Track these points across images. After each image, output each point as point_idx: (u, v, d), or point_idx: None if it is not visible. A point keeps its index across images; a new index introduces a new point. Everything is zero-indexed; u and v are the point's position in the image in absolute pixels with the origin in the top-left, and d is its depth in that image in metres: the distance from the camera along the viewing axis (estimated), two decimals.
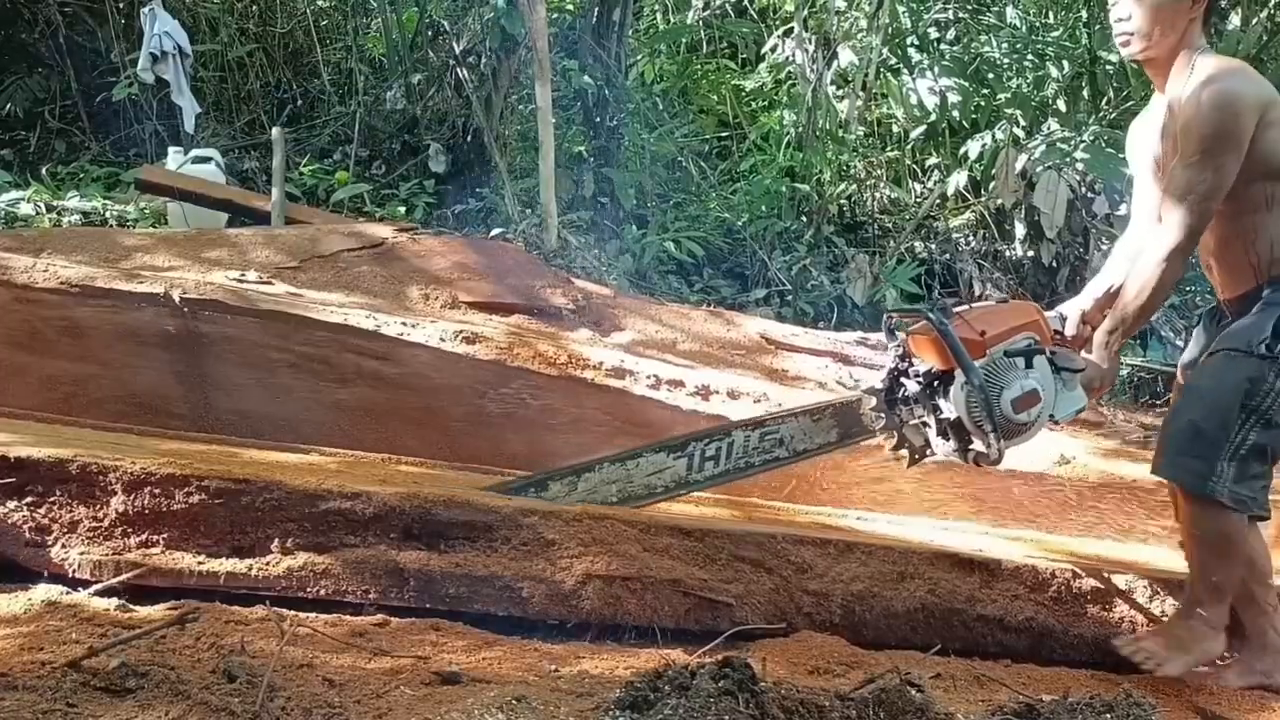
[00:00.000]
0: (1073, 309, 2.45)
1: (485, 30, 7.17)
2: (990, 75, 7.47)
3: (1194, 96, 2.13)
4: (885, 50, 7.59)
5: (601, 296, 3.80)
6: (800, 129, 7.45)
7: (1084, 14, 7.16)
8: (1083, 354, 2.34)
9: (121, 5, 7.87)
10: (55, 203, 6.02)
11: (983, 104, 7.39)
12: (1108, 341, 2.29)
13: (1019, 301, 2.57)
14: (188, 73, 6.95)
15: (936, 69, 7.42)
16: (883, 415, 2.41)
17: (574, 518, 2.11)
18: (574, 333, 3.46)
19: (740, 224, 7.12)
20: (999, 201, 7.08)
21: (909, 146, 7.84)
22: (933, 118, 7.47)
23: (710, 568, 2.15)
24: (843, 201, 7.78)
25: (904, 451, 2.43)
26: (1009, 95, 7.32)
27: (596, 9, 7.49)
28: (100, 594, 1.85)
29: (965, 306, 2.37)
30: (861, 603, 2.23)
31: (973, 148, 7.09)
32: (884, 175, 7.94)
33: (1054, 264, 6.96)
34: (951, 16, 7.94)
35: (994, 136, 7.01)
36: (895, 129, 7.96)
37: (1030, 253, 7.07)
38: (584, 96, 7.39)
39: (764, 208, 7.18)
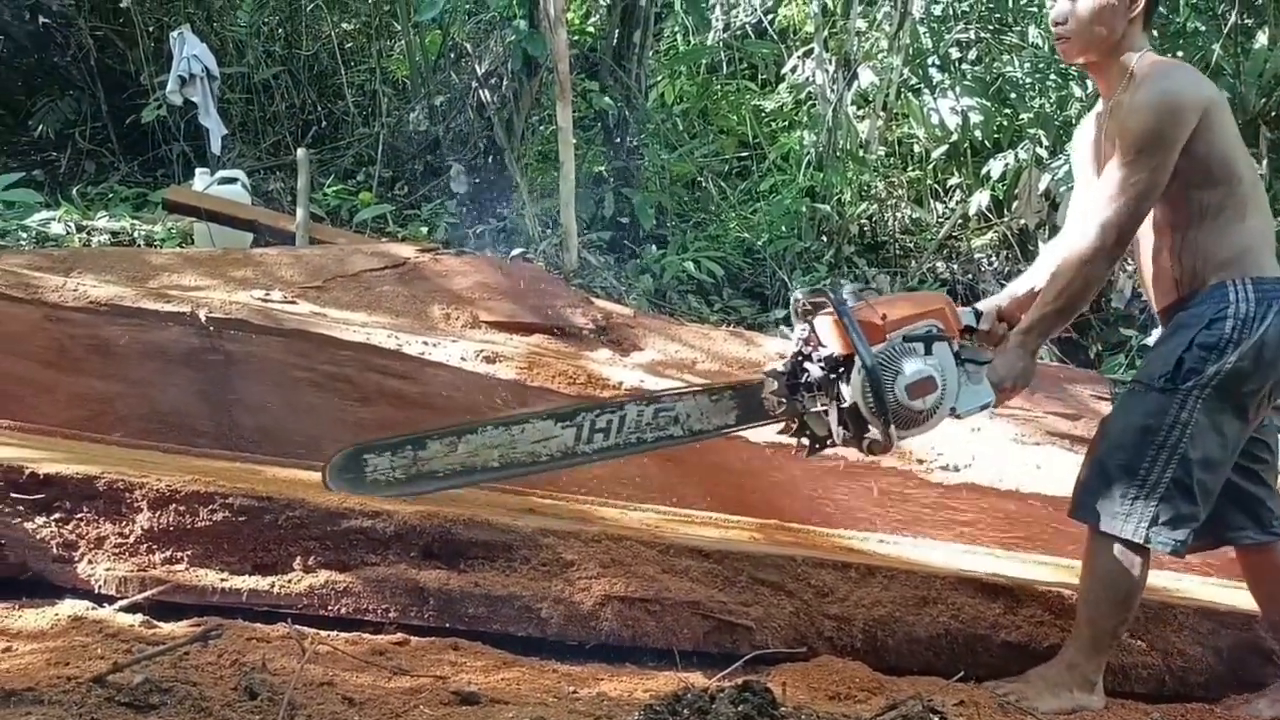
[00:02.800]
0: (989, 306, 2.39)
1: (507, 53, 7.25)
2: (1013, 95, 7.46)
3: (1134, 99, 2.09)
4: (906, 70, 7.61)
5: (621, 316, 3.81)
6: (820, 149, 7.46)
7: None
8: (997, 352, 2.27)
9: (151, 29, 8.02)
10: (85, 222, 6.12)
11: (1005, 124, 7.38)
12: (1024, 340, 2.22)
13: (929, 291, 2.52)
14: (215, 95, 7.06)
15: (958, 89, 7.43)
16: (784, 400, 2.32)
17: (593, 538, 2.11)
18: (593, 352, 3.46)
19: (760, 244, 7.13)
20: (1022, 222, 7.05)
21: (930, 166, 7.84)
22: (954, 137, 7.47)
23: (730, 590, 2.14)
24: (863, 221, 7.78)
25: (804, 441, 2.35)
26: (1032, 115, 7.30)
27: (617, 31, 7.56)
28: (125, 610, 1.86)
29: (876, 294, 2.31)
30: (883, 627, 2.21)
31: (995, 167, 7.08)
32: (905, 195, 7.94)
33: None
34: (973, 37, 7.95)
35: (1017, 156, 7.00)
36: (916, 149, 7.96)
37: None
38: (604, 117, 7.45)
39: (784, 228, 7.19)
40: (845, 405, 2.20)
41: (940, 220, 7.81)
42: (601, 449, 2.31)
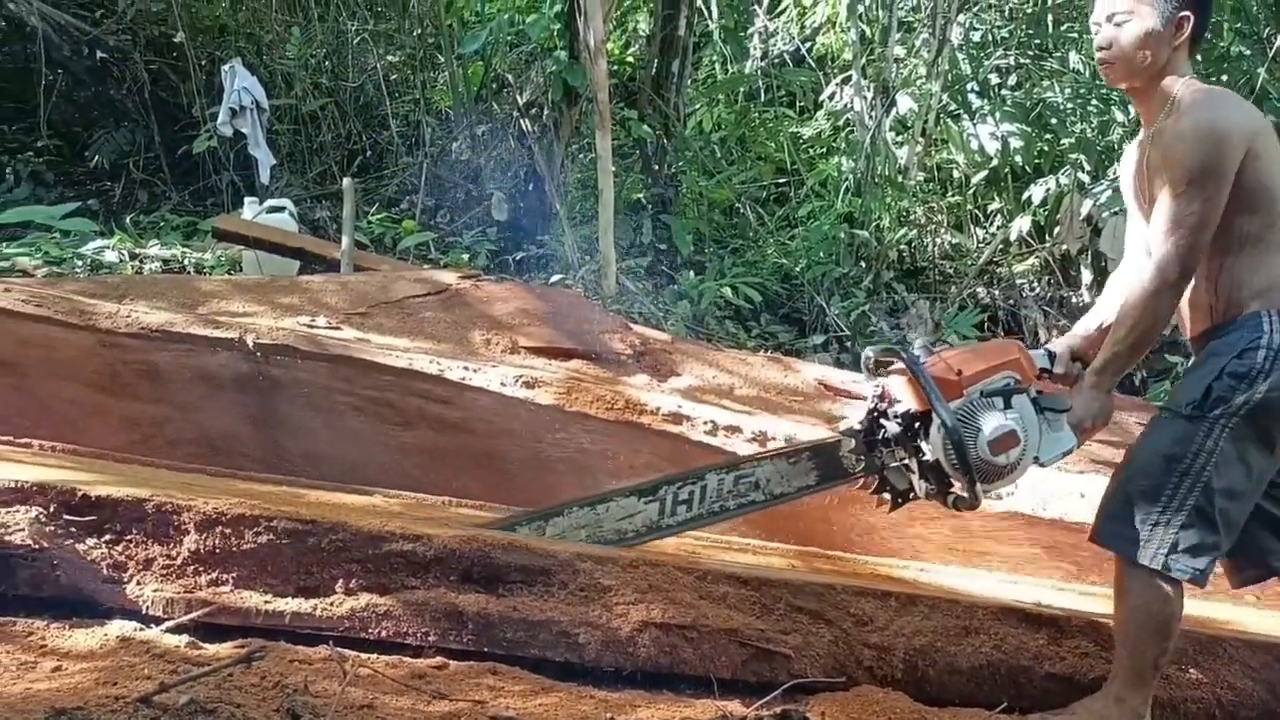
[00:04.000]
0: (1061, 346, 2.37)
1: (548, 83, 7.35)
2: (1053, 120, 7.41)
3: (1178, 127, 2.07)
4: (945, 96, 7.59)
5: (659, 342, 3.82)
6: (859, 175, 7.46)
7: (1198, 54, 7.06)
8: (1073, 394, 2.25)
9: (203, 63, 8.24)
10: (137, 250, 6.27)
11: (1046, 149, 7.33)
12: (1098, 381, 2.19)
13: (1001, 340, 2.49)
14: (264, 126, 7.22)
15: (998, 114, 7.40)
16: (863, 458, 2.31)
17: (630, 563, 2.11)
18: (631, 378, 3.48)
19: (798, 270, 7.13)
20: (1064, 247, 6.99)
21: (970, 191, 7.80)
22: (995, 163, 7.43)
23: (768, 618, 2.13)
24: (902, 247, 7.75)
25: (886, 495, 2.33)
26: (1073, 140, 7.25)
27: (656, 61, 7.64)
28: (171, 631, 1.89)
29: (947, 347, 2.29)
30: (924, 657, 2.18)
31: (1036, 193, 7.03)
32: (945, 221, 7.90)
33: None
34: (1013, 62, 7.92)
35: (1058, 181, 6.94)
36: (956, 174, 7.93)
37: (1098, 296, 6.94)
38: (643, 145, 7.51)
39: (822, 253, 7.18)
40: (927, 460, 2.20)
41: (981, 246, 7.75)
42: (685, 520, 2.34)
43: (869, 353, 2.35)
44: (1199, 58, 7.21)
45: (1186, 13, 2.12)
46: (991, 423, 2.15)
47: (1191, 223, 2.05)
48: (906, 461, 2.26)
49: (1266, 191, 2.07)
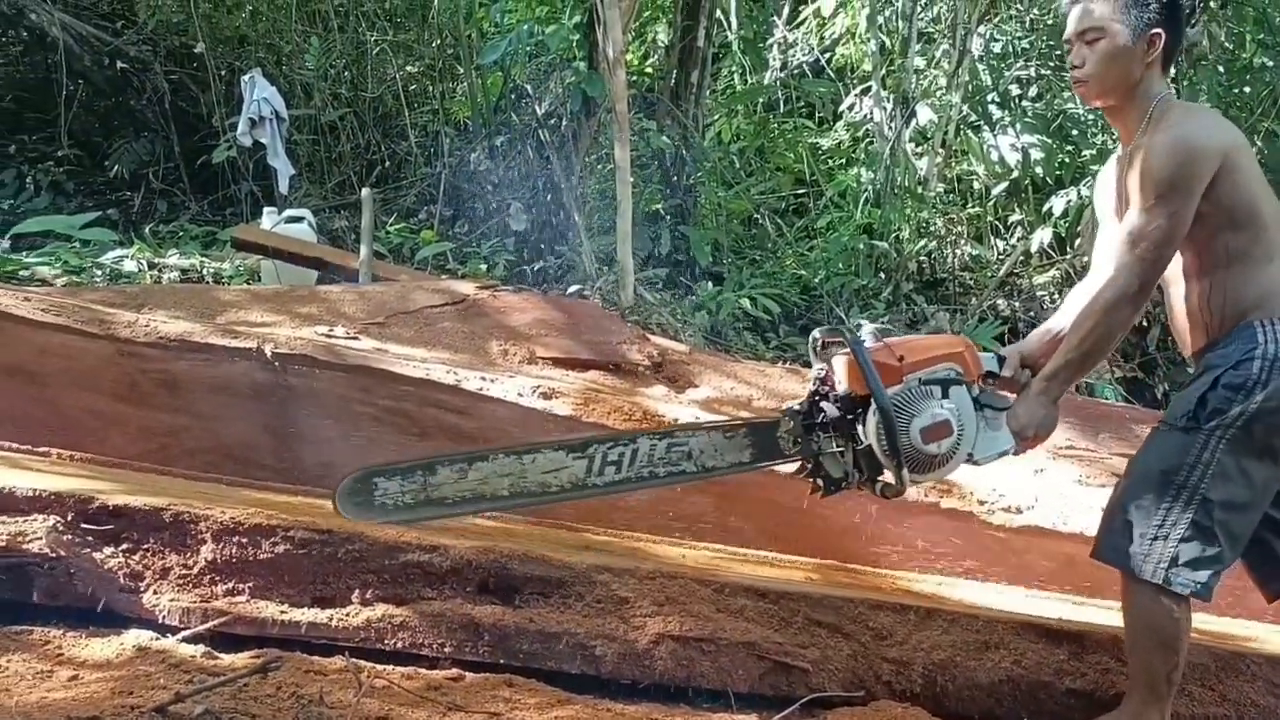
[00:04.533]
0: (1013, 352, 2.34)
1: (566, 94, 7.37)
2: (1074, 132, 7.37)
3: (1152, 141, 2.07)
4: (965, 108, 7.57)
5: (677, 353, 3.82)
6: (878, 186, 7.44)
7: (1171, 70, 7.03)
8: (1018, 399, 2.22)
9: (223, 73, 8.30)
10: (156, 260, 6.31)
11: (1067, 160, 7.29)
12: (1045, 388, 2.17)
13: (950, 335, 2.45)
14: (284, 136, 7.27)
15: (1018, 126, 7.36)
16: (799, 440, 2.27)
17: (647, 575, 2.10)
18: (649, 389, 3.47)
19: (817, 281, 7.10)
20: (1085, 259, 6.92)
21: (991, 203, 7.76)
22: (1015, 174, 7.40)
23: (786, 631, 2.11)
24: (922, 258, 7.71)
25: (819, 481, 2.28)
26: (1094, 152, 7.21)
27: (675, 72, 7.65)
28: (188, 640, 1.89)
29: (898, 337, 2.27)
30: (943, 672, 2.16)
31: (1057, 204, 6.99)
32: (965, 232, 7.86)
33: (1144, 323, 6.77)
34: (1034, 74, 7.89)
35: (1079, 193, 6.89)
36: (976, 185, 7.89)
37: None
38: (661, 156, 7.51)
39: (841, 265, 7.16)
40: (860, 447, 2.18)
41: (1001, 257, 7.71)
42: (612, 482, 2.28)
43: (816, 334, 2.32)
44: (1222, 69, 7.17)
45: (1158, 30, 2.12)
46: (925, 410, 2.13)
47: (1156, 236, 2.05)
48: (842, 448, 2.23)
49: (1248, 206, 2.06)
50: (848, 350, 2.18)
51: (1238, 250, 2.07)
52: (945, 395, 2.16)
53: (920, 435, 2.12)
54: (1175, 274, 2.16)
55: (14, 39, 9.09)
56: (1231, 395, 2.02)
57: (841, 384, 2.21)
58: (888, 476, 2.17)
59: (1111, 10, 2.12)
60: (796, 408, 2.29)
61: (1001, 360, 2.32)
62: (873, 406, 2.13)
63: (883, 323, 6.75)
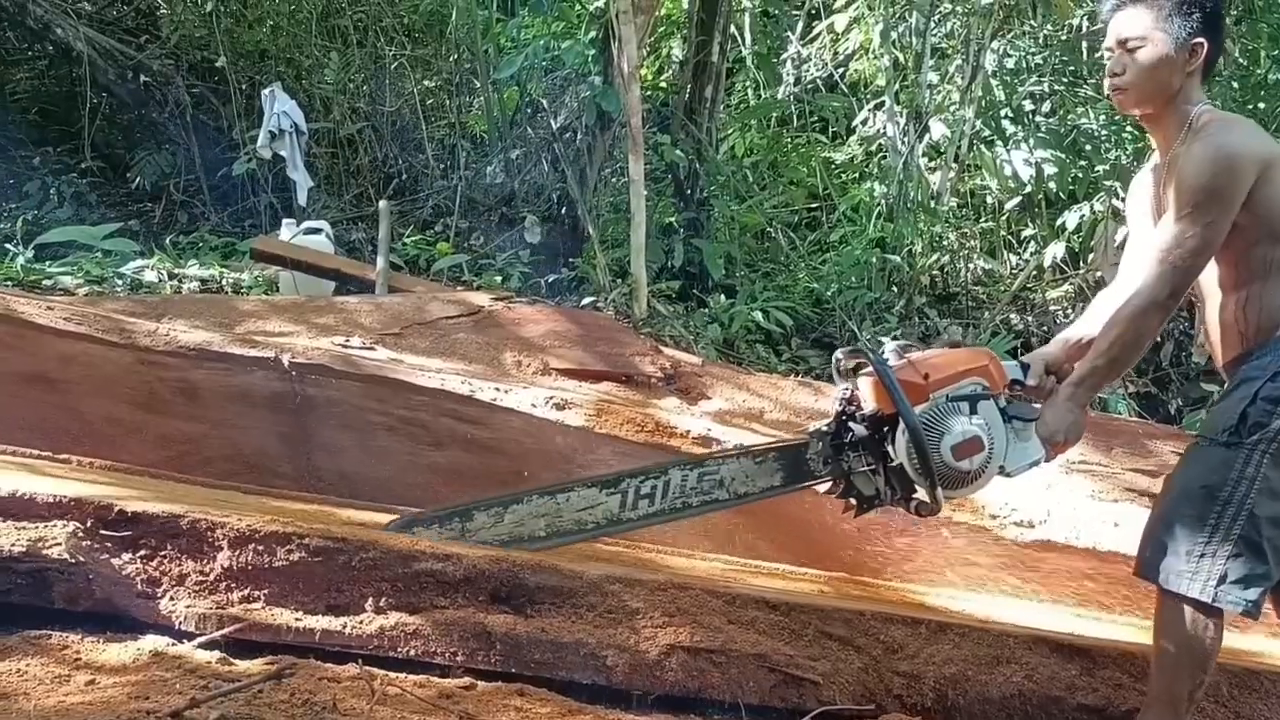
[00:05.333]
0: (1037, 359, 2.33)
1: (582, 108, 7.41)
2: (1088, 147, 7.36)
3: (1190, 151, 2.05)
4: (978, 123, 7.57)
5: (690, 365, 3.83)
6: (891, 200, 7.44)
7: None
8: (1045, 406, 2.21)
9: (244, 87, 8.40)
10: (176, 270, 6.37)
11: (1080, 175, 7.28)
12: (1073, 394, 2.16)
13: (973, 347, 2.45)
14: (303, 149, 7.33)
15: (1032, 141, 7.36)
16: (829, 461, 2.28)
17: (658, 586, 2.11)
18: (662, 401, 3.48)
19: (829, 294, 7.11)
20: (1099, 274, 6.91)
21: (1004, 217, 7.75)
22: (1028, 189, 7.39)
23: (797, 644, 2.11)
24: (935, 272, 7.71)
25: (852, 500, 2.30)
26: (1108, 167, 7.19)
27: (689, 86, 7.68)
28: (203, 646, 1.91)
29: (919, 351, 2.27)
30: (955, 686, 2.15)
31: (1070, 219, 6.97)
32: (978, 246, 7.85)
33: (1159, 338, 6.74)
34: (1047, 89, 7.89)
35: (1092, 208, 6.88)
36: (989, 200, 7.89)
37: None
38: (675, 170, 7.54)
39: (854, 278, 7.16)
40: (892, 465, 2.18)
41: (1014, 272, 7.70)
42: (647, 515, 2.30)
43: (838, 355, 2.33)
44: (1236, 85, 7.15)
45: (1200, 39, 2.10)
46: (955, 427, 2.13)
47: (1191, 245, 2.03)
48: (873, 466, 2.23)
49: None
50: (871, 370, 2.18)
51: (1275, 261, 2.06)
52: (974, 411, 2.15)
53: (951, 453, 2.12)
54: (1211, 285, 2.14)
55: (40, 53, 9.23)
56: (1272, 408, 2.00)
57: (868, 404, 2.21)
58: (922, 495, 2.17)
59: (1154, 19, 2.10)
60: (824, 429, 2.30)
61: (1026, 368, 2.31)
62: (901, 425, 2.13)
63: (895, 336, 6.75)
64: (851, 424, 2.25)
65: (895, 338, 6.57)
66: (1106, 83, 2.22)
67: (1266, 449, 1.99)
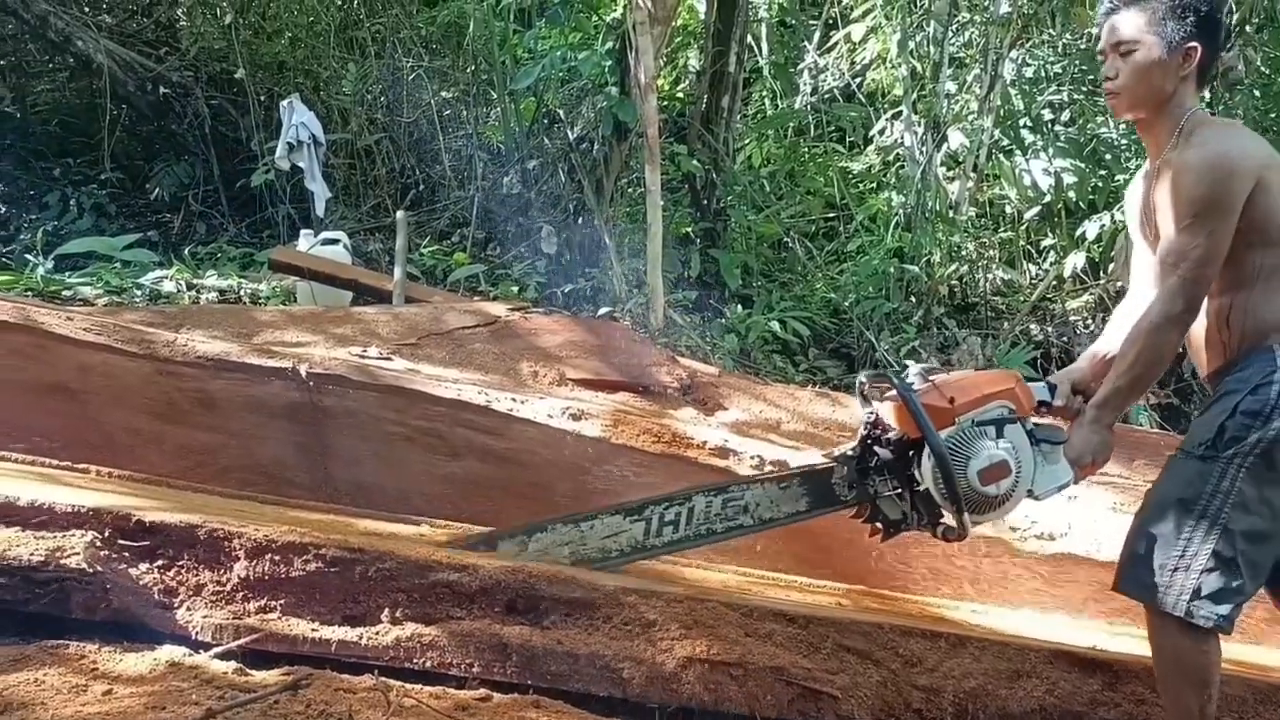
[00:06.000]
0: (1062, 379, 2.31)
1: (598, 118, 7.43)
2: (1108, 156, 7.32)
3: (1185, 158, 2.04)
4: (997, 132, 7.54)
5: (706, 375, 3.82)
6: (909, 210, 7.41)
7: (1205, 94, 6.97)
8: (1072, 427, 2.20)
9: (262, 98, 8.46)
10: (195, 281, 6.41)
11: (1100, 185, 7.23)
12: (1098, 415, 2.15)
13: (998, 370, 2.43)
14: (321, 160, 7.37)
15: (1051, 150, 7.32)
16: (855, 485, 2.27)
17: (675, 598, 2.10)
18: (678, 411, 3.47)
19: (847, 304, 7.08)
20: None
21: (1023, 227, 7.71)
22: (1048, 199, 7.35)
23: (815, 657, 2.10)
24: (953, 282, 7.66)
25: (879, 524, 2.29)
26: (1128, 176, 7.14)
27: (706, 97, 7.69)
28: (220, 657, 1.91)
29: (944, 374, 2.25)
30: (975, 701, 2.13)
31: (1091, 229, 6.92)
32: (997, 256, 7.81)
33: (1180, 349, 6.68)
34: (1066, 98, 7.85)
35: (1113, 218, 6.83)
36: (1008, 210, 7.85)
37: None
38: (692, 180, 7.54)
39: (871, 288, 7.13)
40: (918, 489, 2.17)
41: (1034, 282, 7.65)
42: (671, 541, 2.32)
43: (862, 378, 2.32)
44: (1256, 94, 7.09)
45: (1194, 43, 2.09)
46: (982, 452, 2.12)
47: (1197, 256, 2.02)
48: (899, 490, 2.22)
49: (1278, 225, 2.03)
50: (895, 394, 2.17)
51: (1265, 268, 2.04)
52: (1000, 435, 2.14)
53: (978, 477, 2.11)
54: None
55: (61, 65, 9.33)
56: (1250, 422, 1.98)
57: (893, 429, 2.20)
58: (949, 520, 2.16)
59: (1147, 22, 2.09)
60: (849, 453, 2.30)
61: (1053, 388, 2.30)
62: (927, 450, 2.12)
63: (914, 347, 6.71)
64: (877, 448, 2.24)
65: (916, 350, 6.55)
66: (1103, 88, 2.22)
67: (1243, 463, 1.98)
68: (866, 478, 2.27)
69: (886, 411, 2.22)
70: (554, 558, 2.24)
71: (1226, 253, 2.03)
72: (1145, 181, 2.24)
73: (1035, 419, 2.22)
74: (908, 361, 2.63)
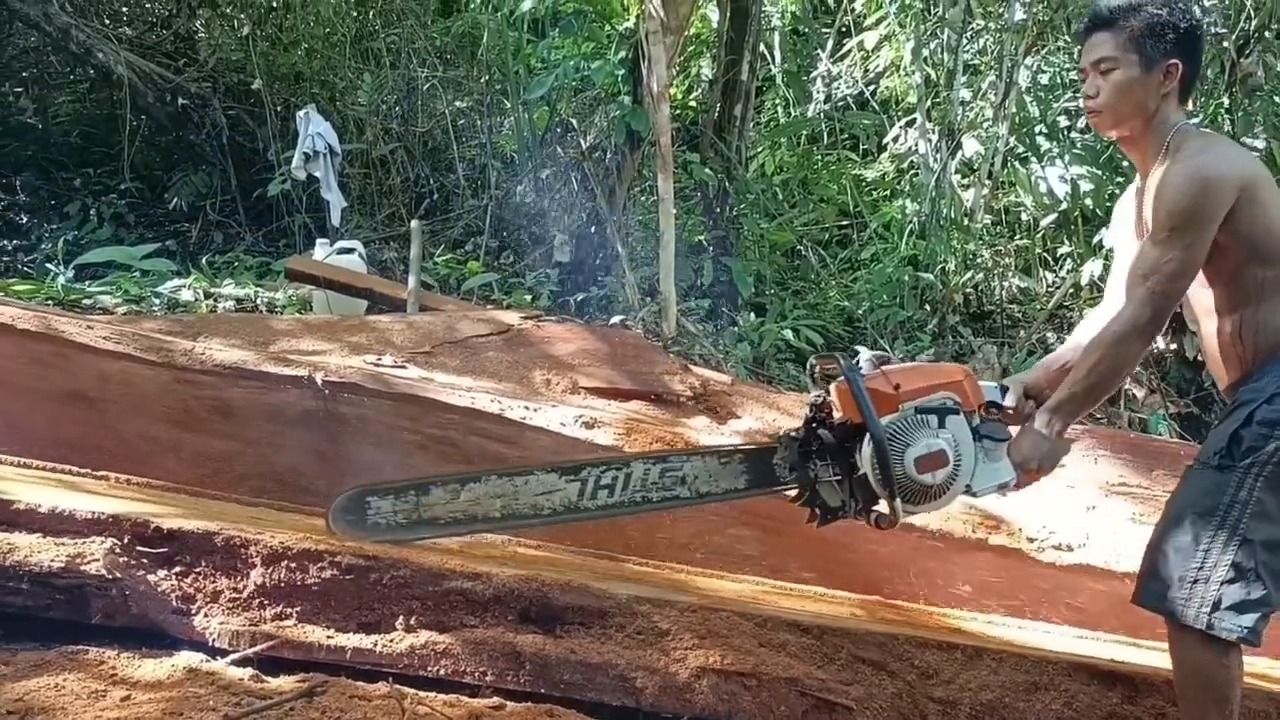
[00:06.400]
0: (1016, 382, 2.29)
1: (611, 127, 7.45)
2: (1125, 163, 7.28)
3: (1167, 174, 2.03)
4: (1012, 139, 7.52)
5: (719, 384, 3.82)
6: (923, 218, 7.40)
7: (1225, 100, 6.94)
8: (1020, 430, 2.17)
9: (279, 109, 8.52)
10: (212, 290, 6.46)
11: (1117, 192, 7.19)
12: (1048, 420, 2.12)
13: (950, 363, 2.41)
14: (336, 170, 7.42)
15: (1067, 157, 7.29)
16: (795, 468, 2.25)
17: (689, 608, 2.09)
18: (691, 419, 3.47)
19: (861, 312, 7.07)
20: None
21: (1039, 235, 7.68)
22: (1064, 206, 7.32)
23: (829, 668, 2.09)
24: (969, 290, 7.64)
25: (816, 509, 2.26)
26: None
27: (719, 105, 7.70)
28: (236, 663, 1.92)
29: (896, 364, 2.23)
30: (991, 713, 2.12)
31: (1107, 237, 6.89)
32: (1013, 264, 7.78)
33: (1198, 358, 6.63)
34: (1082, 105, 7.82)
35: None
36: (1024, 217, 7.82)
37: (1173, 346, 6.76)
38: (704, 188, 7.55)
39: (885, 296, 7.12)
40: (857, 475, 2.16)
41: (1050, 290, 7.61)
42: (605, 506, 2.27)
43: (813, 360, 2.31)
44: (1278, 98, 7.05)
45: (1174, 60, 2.09)
46: (920, 440, 2.10)
47: (1170, 269, 2.01)
48: (839, 476, 2.20)
49: (1272, 237, 2.02)
50: (843, 378, 2.17)
51: (1268, 281, 2.03)
52: (941, 425, 2.13)
53: (915, 465, 2.10)
54: (1206, 309, 2.12)
55: (82, 77, 9.43)
56: (1267, 431, 1.97)
57: (838, 411, 2.19)
58: (882, 506, 2.15)
59: (1126, 40, 2.09)
60: (794, 434, 2.28)
61: (1005, 390, 2.29)
62: (868, 435, 2.11)
63: (929, 355, 6.69)
64: (820, 430, 2.23)
65: (930, 358, 6.53)
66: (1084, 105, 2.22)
67: (1260, 472, 1.96)
68: (808, 460, 2.25)
69: (834, 394, 2.21)
70: (485, 510, 2.20)
71: (1200, 266, 2.02)
72: (1136, 198, 2.23)
73: (983, 415, 2.19)
74: (860, 348, 2.60)
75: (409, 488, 2.22)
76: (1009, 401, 2.27)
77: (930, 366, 2.30)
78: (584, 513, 2.28)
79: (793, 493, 2.31)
